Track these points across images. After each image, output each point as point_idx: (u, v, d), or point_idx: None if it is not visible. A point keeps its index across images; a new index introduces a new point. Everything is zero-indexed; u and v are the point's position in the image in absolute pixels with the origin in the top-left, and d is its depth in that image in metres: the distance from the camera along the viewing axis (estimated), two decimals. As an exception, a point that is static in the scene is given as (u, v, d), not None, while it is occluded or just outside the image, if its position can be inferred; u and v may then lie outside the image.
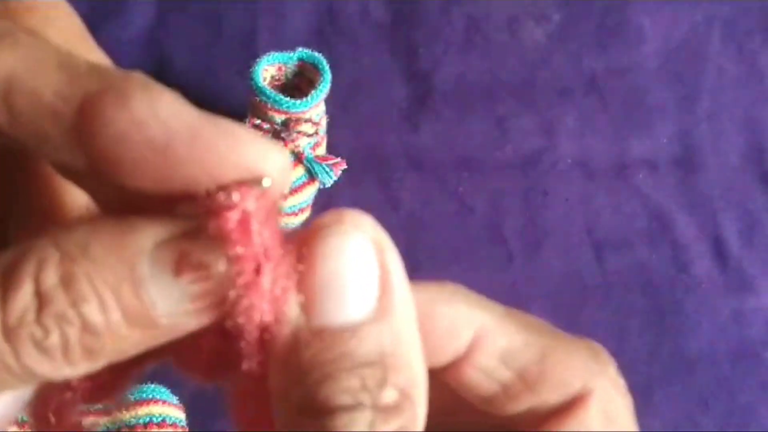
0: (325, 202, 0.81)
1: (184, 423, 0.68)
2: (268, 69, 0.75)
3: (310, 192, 0.78)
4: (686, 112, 0.90)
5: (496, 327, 0.23)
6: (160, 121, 0.20)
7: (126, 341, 0.19)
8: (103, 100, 0.19)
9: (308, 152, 0.76)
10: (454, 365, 0.22)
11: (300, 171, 0.77)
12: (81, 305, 0.19)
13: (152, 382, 0.67)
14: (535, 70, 0.91)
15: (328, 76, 0.74)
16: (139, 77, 0.21)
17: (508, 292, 0.80)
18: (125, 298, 0.19)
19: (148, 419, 0.65)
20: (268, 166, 0.20)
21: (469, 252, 0.82)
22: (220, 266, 0.19)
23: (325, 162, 0.76)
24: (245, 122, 0.75)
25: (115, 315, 0.19)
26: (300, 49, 0.75)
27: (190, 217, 0.19)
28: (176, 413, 0.68)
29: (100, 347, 0.19)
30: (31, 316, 0.18)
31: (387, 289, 0.20)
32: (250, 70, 0.73)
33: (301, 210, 0.79)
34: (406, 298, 0.21)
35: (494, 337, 0.23)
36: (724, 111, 0.90)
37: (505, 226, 0.83)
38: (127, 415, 0.64)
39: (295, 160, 0.76)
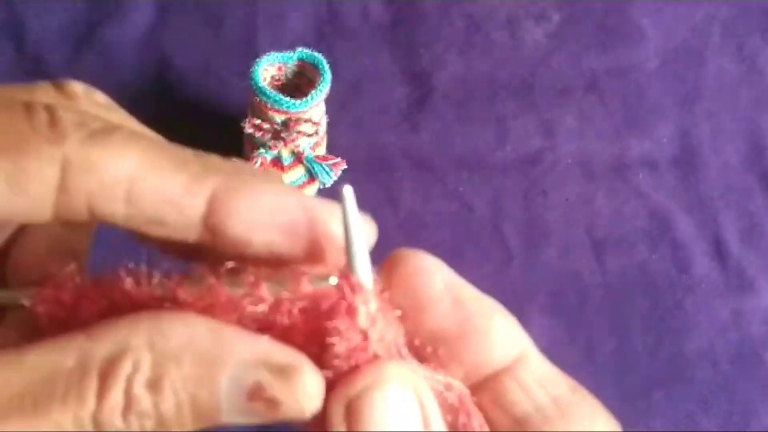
0: (325, 202, 0.81)
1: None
2: (268, 69, 0.75)
3: (310, 192, 0.78)
4: (686, 112, 0.90)
5: (537, 354, 0.25)
6: (287, 211, 0.24)
7: (185, 424, 0.22)
8: (235, 194, 0.23)
9: (308, 152, 0.76)
10: (498, 377, 0.24)
11: (300, 171, 0.77)
12: (161, 405, 0.21)
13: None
14: (535, 70, 0.91)
15: (328, 76, 0.73)
16: (256, 170, 0.25)
17: (508, 291, 0.80)
18: (200, 404, 0.21)
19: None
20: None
21: (469, 252, 0.82)
22: (289, 405, 0.21)
23: (325, 162, 0.76)
24: (245, 122, 0.75)
25: (187, 414, 0.21)
26: (300, 49, 0.75)
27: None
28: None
29: (162, 429, 0.22)
30: (118, 411, 0.21)
31: None
32: (250, 70, 0.73)
33: (301, 210, 0.79)
34: None
35: (536, 360, 0.25)
36: (724, 111, 0.90)
37: (505, 226, 0.83)
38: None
39: (295, 160, 0.76)
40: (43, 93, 0.26)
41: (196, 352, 0.21)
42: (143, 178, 0.22)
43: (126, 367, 0.21)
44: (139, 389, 0.21)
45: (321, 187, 0.78)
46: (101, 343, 0.21)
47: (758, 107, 0.91)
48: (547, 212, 0.84)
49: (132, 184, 0.22)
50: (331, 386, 0.22)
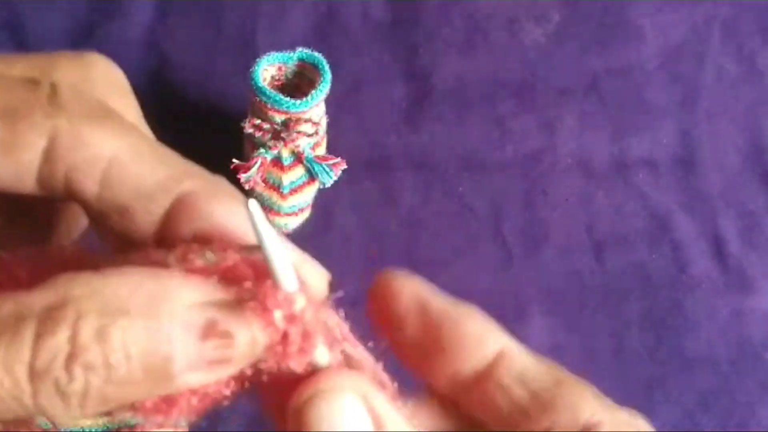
0: (325, 202, 0.81)
1: (184, 423, 0.68)
2: (268, 69, 0.75)
3: (310, 192, 0.78)
4: (686, 112, 0.90)
5: (516, 350, 0.25)
6: (234, 226, 0.24)
7: (138, 391, 0.21)
8: (199, 199, 0.23)
9: (308, 152, 0.76)
10: (477, 381, 0.24)
11: (300, 171, 0.76)
12: (110, 357, 0.20)
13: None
14: (535, 70, 0.91)
15: (328, 76, 0.73)
16: (225, 185, 0.25)
17: (508, 291, 0.80)
18: (152, 356, 0.20)
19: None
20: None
21: (469, 252, 0.82)
22: (243, 337, 0.21)
23: (325, 162, 0.76)
24: (245, 122, 0.75)
25: (138, 368, 0.20)
26: (300, 49, 0.75)
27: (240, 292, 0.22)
28: (176, 413, 0.68)
29: (114, 395, 0.20)
30: (60, 362, 0.19)
31: None
32: (250, 70, 0.73)
33: (301, 210, 0.79)
34: None
35: (514, 358, 0.25)
36: (724, 111, 0.90)
37: (505, 226, 0.83)
38: (128, 415, 0.64)
39: (295, 160, 0.76)
40: (64, 62, 0.27)
41: (143, 300, 0.20)
42: (123, 163, 0.23)
43: (70, 314, 0.20)
44: (86, 337, 0.19)
45: (321, 187, 0.78)
46: (40, 293, 0.20)
47: (758, 107, 0.91)
48: (547, 212, 0.84)
49: (111, 165, 0.23)
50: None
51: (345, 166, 0.78)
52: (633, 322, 0.80)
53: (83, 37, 0.87)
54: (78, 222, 0.28)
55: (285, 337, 0.22)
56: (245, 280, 0.22)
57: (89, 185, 0.23)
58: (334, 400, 0.22)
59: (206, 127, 0.83)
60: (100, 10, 0.89)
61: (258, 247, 0.21)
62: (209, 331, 0.21)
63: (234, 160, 0.75)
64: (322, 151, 0.79)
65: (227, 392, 0.23)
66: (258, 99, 0.72)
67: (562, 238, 0.83)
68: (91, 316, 0.20)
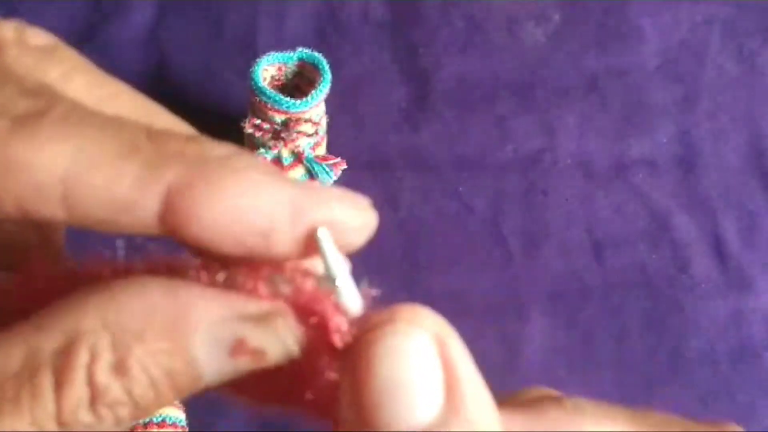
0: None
1: (184, 423, 0.68)
2: (268, 69, 0.75)
3: (310, 192, 0.78)
4: (686, 112, 0.90)
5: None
6: (261, 210, 0.20)
7: (166, 400, 0.20)
8: (193, 192, 0.19)
9: (308, 152, 0.76)
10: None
11: (300, 171, 0.77)
12: (134, 389, 0.19)
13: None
14: (535, 70, 0.91)
15: (328, 76, 0.73)
16: (226, 153, 0.20)
17: (508, 292, 0.80)
18: (178, 376, 0.19)
19: (148, 419, 0.65)
20: (356, 224, 0.21)
21: (469, 252, 0.82)
22: (275, 352, 0.19)
23: (325, 162, 0.76)
24: (245, 122, 0.75)
25: (167, 391, 0.19)
26: (300, 49, 0.75)
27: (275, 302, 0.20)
28: (176, 413, 0.68)
29: (148, 413, 0.20)
30: (84, 407, 0.18)
31: (454, 387, 0.19)
32: (250, 70, 0.73)
33: (301, 210, 0.79)
34: (477, 392, 0.19)
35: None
36: (724, 111, 0.90)
37: (505, 226, 0.83)
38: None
39: (295, 160, 0.76)
40: None
41: (159, 321, 0.19)
42: (81, 175, 0.18)
43: (82, 356, 0.18)
44: (103, 376, 0.18)
45: (321, 187, 0.78)
46: (49, 333, 0.19)
47: (758, 107, 0.91)
48: (547, 212, 0.84)
49: (68, 183, 0.18)
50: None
51: (345, 166, 0.78)
52: (633, 322, 0.80)
53: (83, 37, 0.87)
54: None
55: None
56: (316, 312, 0.20)
57: (50, 212, 0.19)
58: (404, 336, 0.19)
59: (206, 127, 0.83)
60: (100, 10, 0.89)
61: (328, 278, 0.20)
62: (238, 349, 0.19)
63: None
64: (322, 151, 0.79)
65: None
66: (258, 99, 0.72)
67: (562, 238, 0.83)
68: (105, 352, 0.18)
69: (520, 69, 0.91)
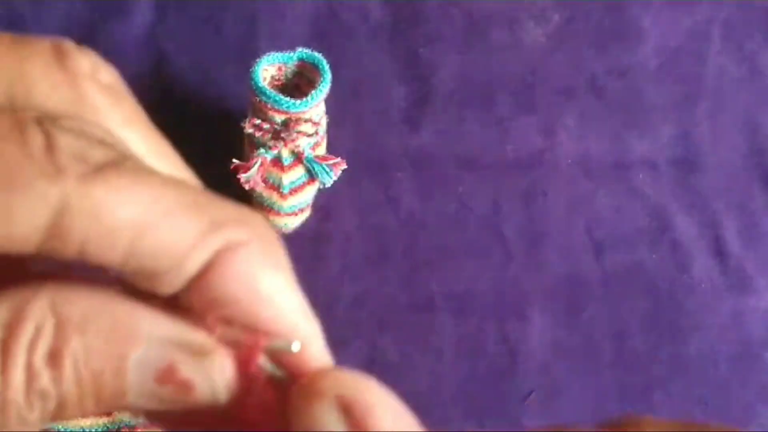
0: (325, 202, 0.81)
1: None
2: (268, 69, 0.75)
3: (310, 192, 0.78)
4: (686, 112, 0.90)
5: None
6: (264, 289, 0.20)
7: (88, 412, 0.20)
8: (248, 249, 0.20)
9: (308, 152, 0.76)
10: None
11: (300, 171, 0.76)
12: (62, 383, 0.18)
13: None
14: (535, 70, 0.91)
15: (328, 76, 0.73)
16: (269, 235, 0.21)
17: (508, 291, 0.80)
18: (104, 383, 0.19)
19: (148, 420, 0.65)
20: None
21: (469, 252, 0.82)
22: (204, 389, 0.19)
23: (325, 162, 0.76)
24: (245, 122, 0.75)
25: (90, 397, 0.19)
26: (300, 49, 0.75)
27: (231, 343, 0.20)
28: (176, 413, 0.68)
29: (66, 416, 0.19)
30: (21, 391, 0.18)
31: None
32: (250, 70, 0.73)
33: (301, 210, 0.79)
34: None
35: None
36: (724, 111, 0.90)
37: (505, 226, 0.83)
38: (127, 415, 0.64)
39: (295, 160, 0.76)
40: (39, 71, 0.21)
41: (104, 322, 0.19)
42: (150, 230, 0.19)
43: (26, 336, 0.18)
44: (39, 361, 0.18)
45: (321, 187, 0.78)
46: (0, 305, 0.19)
47: (758, 107, 0.91)
48: (547, 212, 0.84)
49: (135, 236, 0.19)
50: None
51: (345, 166, 0.78)
52: (633, 322, 0.80)
53: (83, 37, 0.87)
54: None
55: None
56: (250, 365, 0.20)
57: (110, 258, 0.19)
58: (316, 404, 0.19)
59: (206, 127, 0.83)
60: (100, 10, 0.89)
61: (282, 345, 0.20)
62: (167, 376, 0.19)
63: (234, 160, 0.75)
64: (322, 151, 0.79)
65: None
66: (258, 99, 0.72)
67: (562, 238, 0.83)
68: (47, 336, 0.18)
69: (520, 69, 0.91)
